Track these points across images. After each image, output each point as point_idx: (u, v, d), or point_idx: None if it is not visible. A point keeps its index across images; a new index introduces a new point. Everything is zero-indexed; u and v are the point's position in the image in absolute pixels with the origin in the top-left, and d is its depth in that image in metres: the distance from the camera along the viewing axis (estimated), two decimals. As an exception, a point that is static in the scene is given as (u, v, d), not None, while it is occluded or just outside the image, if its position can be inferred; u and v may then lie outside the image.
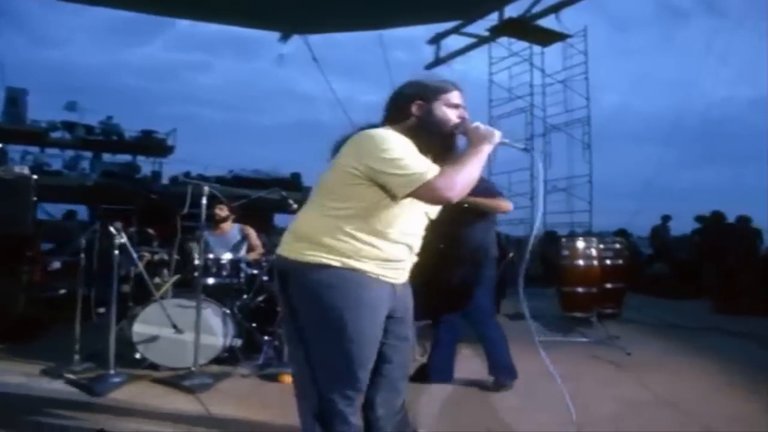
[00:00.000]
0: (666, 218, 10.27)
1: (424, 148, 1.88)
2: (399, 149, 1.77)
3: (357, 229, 1.81)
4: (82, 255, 3.71)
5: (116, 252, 3.31)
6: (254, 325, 3.86)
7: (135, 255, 3.66)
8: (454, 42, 13.63)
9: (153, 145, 16.81)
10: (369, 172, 1.76)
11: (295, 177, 18.48)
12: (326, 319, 1.82)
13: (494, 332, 3.35)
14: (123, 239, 3.40)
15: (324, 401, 1.86)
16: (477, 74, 13.62)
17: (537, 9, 11.67)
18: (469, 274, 3.27)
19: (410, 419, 2.13)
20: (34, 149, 15.24)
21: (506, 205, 3.32)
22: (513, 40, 12.64)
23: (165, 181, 15.42)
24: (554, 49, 12.32)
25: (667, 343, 4.69)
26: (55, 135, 16.11)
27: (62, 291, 5.09)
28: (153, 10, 11.17)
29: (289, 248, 1.88)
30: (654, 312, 6.24)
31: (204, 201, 3.34)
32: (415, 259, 1.96)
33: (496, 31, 13.12)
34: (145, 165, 16.28)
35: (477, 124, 1.89)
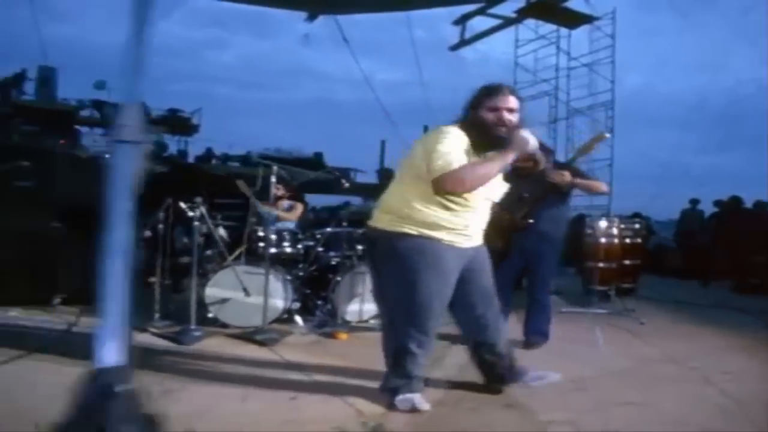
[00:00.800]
0: (695, 202, 10.27)
1: (476, 145, 2.33)
2: (448, 143, 2.23)
3: (427, 204, 2.29)
4: (161, 227, 4.19)
5: (196, 224, 3.80)
6: (309, 291, 4.35)
7: (212, 227, 4.15)
8: (479, 23, 13.80)
9: (179, 123, 17.30)
10: (425, 156, 2.23)
11: (318, 156, 18.92)
12: (404, 277, 2.31)
13: (547, 300, 3.82)
14: (197, 213, 3.90)
15: (400, 344, 2.36)
16: (501, 55, 13.79)
17: (565, -8, 11.82)
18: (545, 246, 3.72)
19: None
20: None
21: (604, 187, 3.91)
22: (540, 22, 12.79)
23: (191, 159, 15.93)
24: (580, 32, 12.43)
25: (677, 316, 5.14)
26: (84, 113, 16.59)
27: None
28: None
29: (377, 219, 2.37)
30: (668, 291, 6.64)
31: (273, 180, 3.80)
32: (482, 228, 2.43)
33: (523, 13, 13.26)
34: (171, 143, 16.77)
35: (520, 131, 2.31)
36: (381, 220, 2.37)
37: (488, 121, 2.34)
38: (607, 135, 2.48)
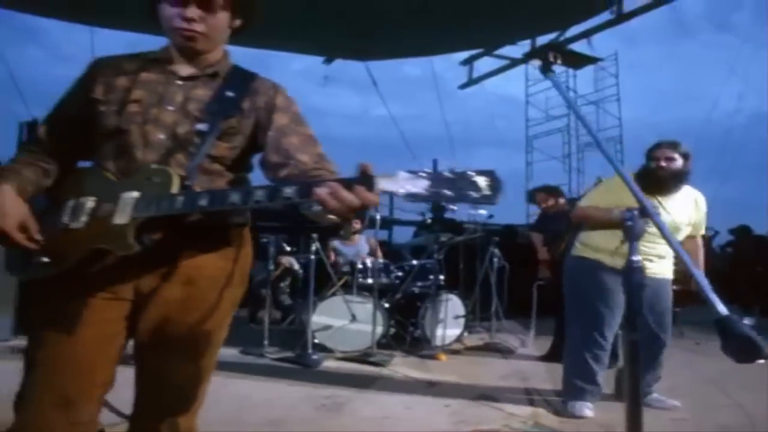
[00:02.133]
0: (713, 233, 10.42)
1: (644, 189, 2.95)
2: (603, 184, 2.86)
3: (593, 230, 2.89)
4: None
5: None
6: (399, 317, 4.78)
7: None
8: (486, 63, 14.56)
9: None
10: None
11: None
12: (574, 298, 2.87)
13: None
14: (313, 247, 4.35)
15: (581, 361, 2.87)
16: (513, 92, 14.55)
17: (569, 34, 12.65)
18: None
19: None
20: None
21: None
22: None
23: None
24: (587, 71, 13.23)
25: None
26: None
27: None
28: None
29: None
30: (697, 315, 7.13)
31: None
32: (656, 257, 2.90)
33: (530, 56, 14.09)
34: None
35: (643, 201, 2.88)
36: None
37: (652, 168, 2.94)
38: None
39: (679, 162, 2.88)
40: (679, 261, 3.17)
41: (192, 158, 1.24)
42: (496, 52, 14.57)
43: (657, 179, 2.88)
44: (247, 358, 4.18)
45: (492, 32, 12.34)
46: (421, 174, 0.96)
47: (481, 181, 0.96)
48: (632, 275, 1.26)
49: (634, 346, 1.21)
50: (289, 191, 1.05)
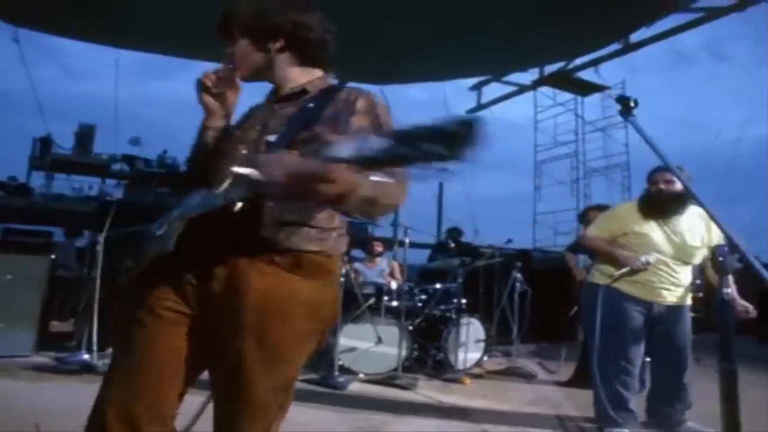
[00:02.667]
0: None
1: (648, 213, 2.94)
2: (610, 212, 2.94)
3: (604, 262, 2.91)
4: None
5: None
6: (422, 340, 4.77)
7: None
8: (495, 89, 14.74)
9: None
10: None
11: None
12: (594, 325, 2.86)
13: None
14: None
15: (609, 388, 2.86)
16: (521, 117, 14.70)
17: (578, 62, 12.86)
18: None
19: None
20: (96, 180, 16.34)
21: None
22: (557, 90, 13.78)
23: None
24: (594, 98, 13.40)
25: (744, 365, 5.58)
26: (116, 167, 17.18)
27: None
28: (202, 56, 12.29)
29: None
30: (714, 342, 7.12)
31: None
32: (673, 286, 2.93)
33: (538, 82, 14.29)
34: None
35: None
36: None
37: (651, 191, 2.98)
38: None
39: (678, 184, 2.90)
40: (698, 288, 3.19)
41: None
42: (505, 79, 14.81)
43: (658, 202, 2.94)
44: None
45: (502, 60, 12.56)
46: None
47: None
48: (724, 308, 1.27)
49: (731, 378, 1.22)
50: None
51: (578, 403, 3.62)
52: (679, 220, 2.97)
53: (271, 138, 1.27)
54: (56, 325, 5.58)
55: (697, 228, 2.99)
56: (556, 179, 13.26)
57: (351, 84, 1.40)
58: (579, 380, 4.21)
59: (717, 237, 3.02)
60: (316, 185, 0.88)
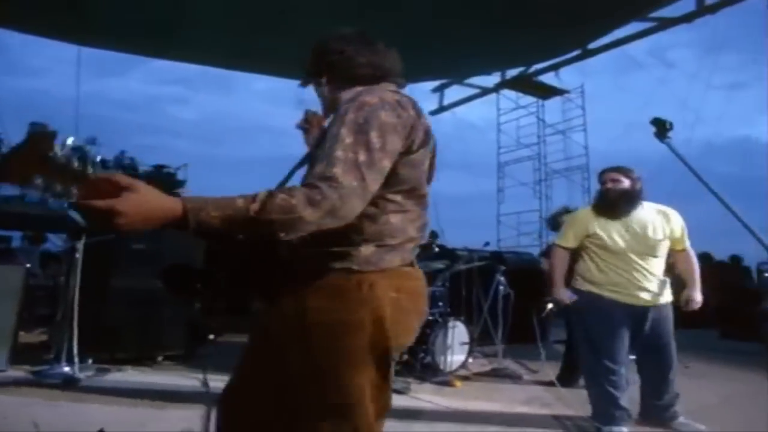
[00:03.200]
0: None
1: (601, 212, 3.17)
2: (571, 219, 3.35)
3: (592, 263, 3.06)
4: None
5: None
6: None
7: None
8: (458, 91, 14.97)
9: (165, 179, 17.29)
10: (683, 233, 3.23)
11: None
12: (580, 329, 3.04)
13: None
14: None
15: (600, 388, 2.98)
16: (484, 121, 14.97)
17: (539, 67, 13.23)
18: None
19: None
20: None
21: None
22: (520, 94, 14.11)
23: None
24: (556, 101, 13.81)
25: (712, 360, 5.90)
26: (69, 167, 16.45)
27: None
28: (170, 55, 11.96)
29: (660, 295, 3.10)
30: (685, 338, 7.48)
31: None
32: (651, 284, 3.06)
33: (500, 86, 14.60)
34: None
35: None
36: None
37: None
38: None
39: (625, 183, 3.10)
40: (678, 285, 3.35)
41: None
42: (467, 81, 15.04)
43: (607, 201, 3.14)
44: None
45: (465, 63, 12.76)
46: None
47: None
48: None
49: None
50: None
51: (568, 402, 3.75)
52: (635, 216, 3.11)
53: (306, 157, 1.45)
54: (22, 336, 5.32)
55: (656, 221, 3.13)
56: (518, 181, 13.59)
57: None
58: (565, 379, 4.36)
59: (679, 229, 3.20)
60: (106, 219, 1.01)
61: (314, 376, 1.22)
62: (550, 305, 5.21)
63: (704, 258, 10.21)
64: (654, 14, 10.99)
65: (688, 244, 3.26)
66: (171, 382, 4.17)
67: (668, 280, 3.19)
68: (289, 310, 1.25)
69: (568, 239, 3.25)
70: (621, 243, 3.07)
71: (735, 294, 8.44)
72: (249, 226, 1.08)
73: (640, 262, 3.07)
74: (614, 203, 3.12)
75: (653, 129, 1.63)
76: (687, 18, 10.85)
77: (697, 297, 3.17)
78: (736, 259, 9.43)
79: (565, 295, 3.20)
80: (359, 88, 1.38)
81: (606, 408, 3.05)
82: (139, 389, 3.84)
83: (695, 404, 3.92)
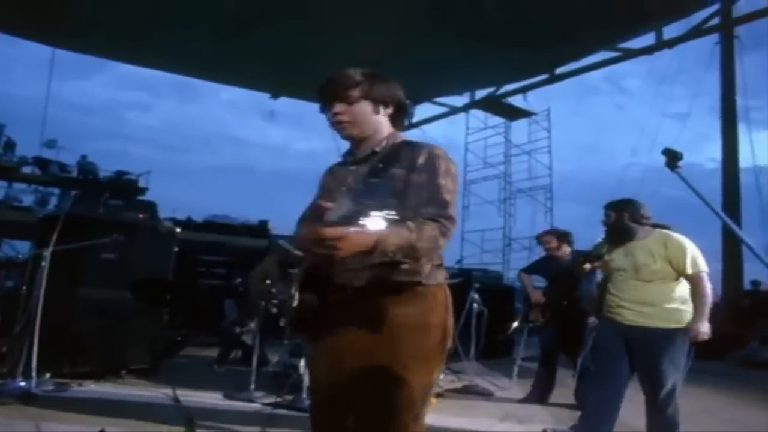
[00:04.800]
0: (756, 283, 10.52)
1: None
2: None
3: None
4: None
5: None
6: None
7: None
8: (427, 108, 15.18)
9: (125, 185, 16.83)
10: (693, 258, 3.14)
11: (263, 224, 18.91)
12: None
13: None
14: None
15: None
16: (450, 139, 15.19)
17: (508, 88, 13.57)
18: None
19: None
20: (2, 183, 14.93)
21: None
22: (488, 114, 14.41)
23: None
24: (522, 123, 14.14)
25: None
26: (26, 170, 15.86)
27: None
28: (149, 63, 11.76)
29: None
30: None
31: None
32: (639, 303, 3.10)
33: (468, 106, 14.89)
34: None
35: None
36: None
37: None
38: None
39: (611, 216, 3.28)
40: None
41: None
42: (437, 100, 15.27)
43: (607, 234, 3.40)
44: (236, 404, 4.00)
45: (435, 83, 12.98)
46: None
47: None
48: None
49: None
50: None
51: (543, 419, 3.79)
52: (636, 243, 3.22)
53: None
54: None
55: (654, 247, 3.18)
56: (483, 198, 13.80)
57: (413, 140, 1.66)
58: (536, 397, 4.41)
59: (679, 255, 3.11)
60: (330, 248, 1.25)
61: (402, 369, 1.44)
62: (515, 323, 5.30)
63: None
64: (619, 45, 11.51)
65: (696, 270, 3.10)
66: (137, 397, 4.01)
67: (678, 308, 3.06)
68: (372, 316, 1.46)
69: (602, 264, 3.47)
70: (622, 265, 3.19)
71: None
72: (407, 251, 1.39)
73: (634, 283, 3.13)
74: (611, 235, 3.37)
75: (664, 159, 1.66)
76: (648, 50, 11.39)
77: (701, 327, 3.01)
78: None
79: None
80: (422, 142, 1.65)
81: (582, 428, 3.10)
82: (103, 405, 3.68)
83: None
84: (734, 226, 1.52)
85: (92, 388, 4.21)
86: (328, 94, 1.62)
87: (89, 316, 4.43)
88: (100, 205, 4.87)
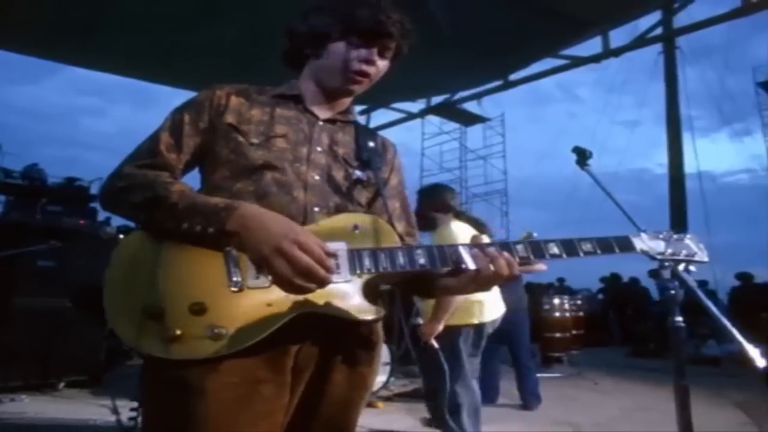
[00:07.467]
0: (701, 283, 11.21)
1: None
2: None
3: None
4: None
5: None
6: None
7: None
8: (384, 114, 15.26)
9: (75, 192, 16.27)
10: None
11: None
12: None
13: (533, 365, 4.63)
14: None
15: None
16: (411, 144, 15.31)
17: (463, 94, 13.79)
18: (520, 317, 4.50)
19: None
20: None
21: (543, 267, 4.63)
22: (444, 120, 14.59)
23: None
24: (477, 128, 14.37)
25: (618, 376, 6.25)
26: (-38, 176, 15.13)
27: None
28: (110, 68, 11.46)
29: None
30: (583, 358, 7.90)
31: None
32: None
33: (425, 112, 15.05)
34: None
35: None
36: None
37: None
38: (535, 234, 3.28)
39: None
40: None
41: (349, 204, 1.20)
42: (393, 105, 15.37)
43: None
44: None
45: (391, 89, 13.06)
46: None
47: (693, 243, 1.28)
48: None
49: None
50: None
51: (492, 418, 3.85)
52: (435, 233, 3.13)
53: (361, 176, 1.24)
54: None
55: (446, 240, 2.99)
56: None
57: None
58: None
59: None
60: None
61: None
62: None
63: (613, 279, 10.90)
64: (566, 52, 11.86)
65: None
66: (74, 411, 3.88)
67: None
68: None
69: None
70: None
71: (637, 314, 9.07)
72: None
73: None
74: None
75: (574, 157, 1.72)
76: (595, 58, 11.77)
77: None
78: (634, 280, 10.15)
79: None
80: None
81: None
82: (38, 422, 3.54)
83: (601, 416, 4.19)
84: (636, 223, 1.59)
85: (26, 402, 4.05)
86: (387, 36, 1.21)
87: (25, 326, 4.26)
88: (37, 212, 4.68)
